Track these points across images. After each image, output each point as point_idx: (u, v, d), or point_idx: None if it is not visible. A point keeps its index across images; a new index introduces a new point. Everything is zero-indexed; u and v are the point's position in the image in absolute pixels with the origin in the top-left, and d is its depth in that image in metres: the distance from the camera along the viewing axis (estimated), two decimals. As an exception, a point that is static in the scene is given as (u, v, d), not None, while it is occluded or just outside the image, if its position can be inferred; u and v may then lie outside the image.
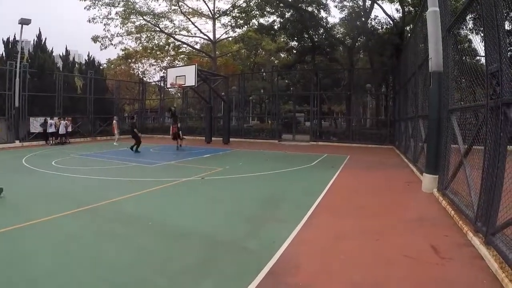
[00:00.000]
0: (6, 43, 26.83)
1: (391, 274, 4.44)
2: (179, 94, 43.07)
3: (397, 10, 29.49)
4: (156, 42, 39.29)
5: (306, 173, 13.18)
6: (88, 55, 34.29)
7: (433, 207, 8.00)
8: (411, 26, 24.23)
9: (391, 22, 29.57)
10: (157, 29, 37.28)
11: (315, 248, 5.38)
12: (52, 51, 29.66)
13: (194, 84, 23.16)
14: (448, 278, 4.34)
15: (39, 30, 29.24)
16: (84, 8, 33.50)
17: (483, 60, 5.64)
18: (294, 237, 5.78)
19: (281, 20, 31.37)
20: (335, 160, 16.75)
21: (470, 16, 7.73)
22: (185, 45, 40.23)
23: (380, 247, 5.39)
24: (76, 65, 33.56)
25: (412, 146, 14.83)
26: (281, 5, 29.80)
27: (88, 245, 5.45)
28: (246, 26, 34.78)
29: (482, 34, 5.46)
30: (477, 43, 6.86)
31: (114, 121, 27.18)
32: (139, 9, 35.22)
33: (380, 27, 30.13)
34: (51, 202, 8.31)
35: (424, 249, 5.27)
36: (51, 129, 25.08)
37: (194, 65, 23.97)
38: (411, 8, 27.45)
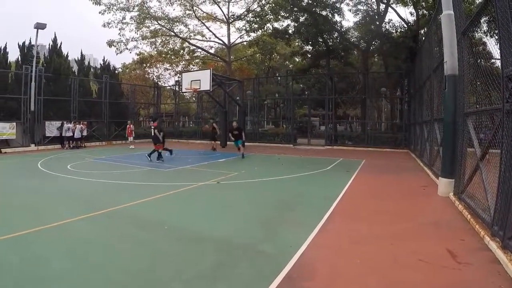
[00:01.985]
0: (22, 47, 27.24)
1: (407, 279, 4.41)
2: (194, 98, 43.25)
3: (411, 13, 29.36)
4: (171, 47, 39.58)
5: (322, 178, 13.16)
6: (103, 60, 34.69)
7: (449, 211, 7.93)
8: (426, 29, 24.06)
9: (405, 26, 29.41)
10: (172, 33, 37.56)
11: (331, 252, 5.38)
12: (67, 56, 30.06)
13: (209, 89, 23.25)
14: (465, 282, 4.31)
15: (55, 34, 29.64)
16: (99, 13, 33.91)
17: (498, 63, 5.61)
18: (310, 242, 5.77)
19: (296, 24, 31.37)
20: (350, 164, 16.68)
21: (485, 19, 7.66)
22: (199, 50, 40.46)
23: (396, 251, 5.36)
24: (92, 70, 33.93)
25: (427, 150, 14.70)
26: (295, 9, 29.81)
27: (103, 249, 5.51)
28: (260, 30, 34.86)
29: (497, 37, 5.42)
30: (492, 46, 6.79)
31: (131, 125, 27.52)
32: (153, 13, 35.55)
33: (394, 31, 29.99)
34: (67, 205, 8.42)
35: (440, 254, 5.23)
36: (68, 133, 25.38)
37: (209, 70, 24.08)
38: (425, 11, 27.28)
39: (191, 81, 23.80)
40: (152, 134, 17.65)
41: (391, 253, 5.31)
